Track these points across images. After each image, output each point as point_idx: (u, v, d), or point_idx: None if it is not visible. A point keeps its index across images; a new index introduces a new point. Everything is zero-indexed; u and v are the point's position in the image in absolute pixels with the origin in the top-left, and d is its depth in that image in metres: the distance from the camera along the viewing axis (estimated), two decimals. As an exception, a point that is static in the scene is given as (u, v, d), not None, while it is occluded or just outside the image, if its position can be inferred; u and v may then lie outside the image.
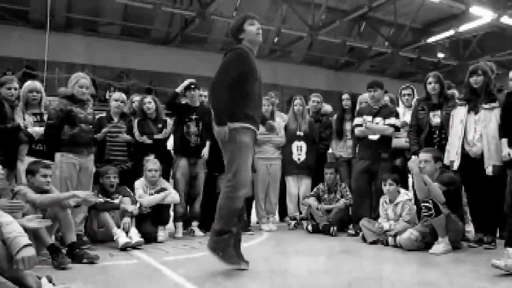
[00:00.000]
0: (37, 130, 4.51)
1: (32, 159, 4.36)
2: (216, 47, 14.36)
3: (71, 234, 3.87)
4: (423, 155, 4.47)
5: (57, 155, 4.47)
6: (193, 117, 5.35)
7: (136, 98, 5.89)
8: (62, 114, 4.44)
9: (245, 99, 3.45)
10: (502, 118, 4.30)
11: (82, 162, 4.55)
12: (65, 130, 4.46)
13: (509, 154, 4.11)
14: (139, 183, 5.06)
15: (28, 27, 12.63)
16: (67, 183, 4.42)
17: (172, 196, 5.03)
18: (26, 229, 3.40)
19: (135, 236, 4.51)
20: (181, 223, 5.34)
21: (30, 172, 3.90)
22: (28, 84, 4.74)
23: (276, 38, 12.61)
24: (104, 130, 5.04)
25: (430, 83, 4.91)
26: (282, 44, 13.56)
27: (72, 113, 4.48)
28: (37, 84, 4.77)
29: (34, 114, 4.68)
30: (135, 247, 4.44)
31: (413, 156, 4.43)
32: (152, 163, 5.09)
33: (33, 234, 3.48)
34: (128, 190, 4.98)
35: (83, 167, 4.57)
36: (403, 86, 5.78)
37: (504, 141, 4.20)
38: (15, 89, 4.55)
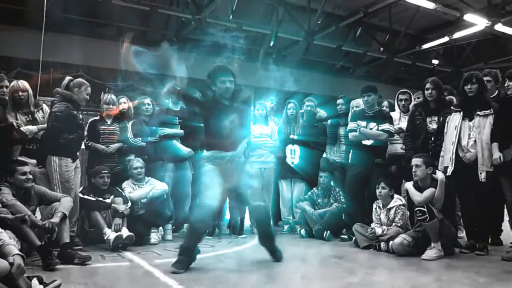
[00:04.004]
0: (31, 129, 4.48)
1: (25, 158, 4.36)
2: (211, 50, 14.35)
3: (66, 234, 3.87)
4: (415, 160, 4.49)
5: (54, 159, 4.48)
6: (176, 121, 5.44)
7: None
8: (67, 118, 4.48)
9: None
10: (494, 123, 4.33)
11: (74, 164, 4.67)
12: (65, 135, 4.50)
13: (500, 158, 4.14)
14: (126, 184, 5.11)
15: (23, 26, 12.58)
16: (66, 185, 4.50)
17: (160, 187, 5.08)
18: (16, 230, 3.43)
19: (125, 232, 4.55)
20: (170, 225, 5.35)
21: (8, 172, 3.88)
22: (11, 85, 4.58)
23: (272, 42, 12.59)
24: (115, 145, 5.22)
25: (427, 88, 4.87)
26: (278, 48, 13.57)
27: (76, 119, 4.58)
28: (20, 84, 4.59)
29: (25, 113, 4.60)
30: (126, 247, 4.48)
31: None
32: (135, 161, 5.14)
33: (22, 237, 3.48)
34: (120, 190, 4.98)
35: (76, 168, 4.71)
36: (400, 91, 5.73)
37: (495, 145, 4.23)
38: (6, 87, 4.51)
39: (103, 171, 4.86)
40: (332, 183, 5.77)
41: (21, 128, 4.42)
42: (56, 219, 3.78)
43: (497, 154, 4.19)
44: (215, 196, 3.75)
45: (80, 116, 4.81)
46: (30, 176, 3.93)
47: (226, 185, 3.86)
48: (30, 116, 4.62)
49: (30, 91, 4.69)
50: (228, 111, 3.83)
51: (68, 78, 4.79)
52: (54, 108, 4.52)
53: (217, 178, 3.82)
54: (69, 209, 3.98)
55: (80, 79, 4.79)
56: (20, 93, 4.55)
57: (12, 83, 4.61)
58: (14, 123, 4.37)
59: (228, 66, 3.96)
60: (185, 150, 5.40)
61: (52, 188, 4.37)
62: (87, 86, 4.70)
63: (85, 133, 5.24)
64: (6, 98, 4.49)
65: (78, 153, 4.85)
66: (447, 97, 5.14)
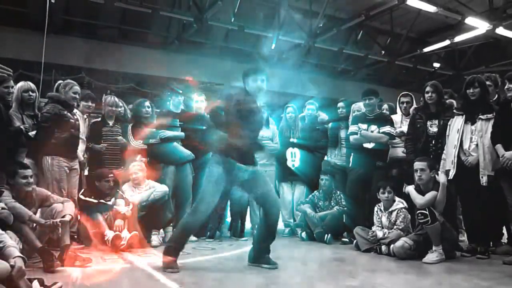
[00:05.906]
0: None
1: (30, 160, 4.38)
2: (213, 52, 14.37)
3: (66, 236, 3.87)
4: (419, 164, 4.48)
5: (47, 159, 4.49)
6: (177, 123, 5.44)
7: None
8: (56, 118, 4.48)
9: None
10: (494, 125, 4.33)
11: (71, 165, 4.68)
12: (56, 134, 4.51)
13: (503, 155, 4.14)
14: (126, 187, 5.11)
15: (25, 28, 12.62)
16: (59, 185, 4.49)
17: (160, 189, 5.06)
18: (17, 232, 3.43)
19: (126, 234, 4.57)
20: (171, 228, 5.34)
21: (9, 174, 3.87)
22: (22, 85, 4.61)
23: (273, 45, 12.60)
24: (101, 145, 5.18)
25: (427, 92, 4.86)
26: (279, 50, 13.58)
27: (66, 118, 4.57)
28: (31, 85, 4.66)
29: (31, 116, 4.59)
30: (131, 246, 4.50)
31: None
32: (131, 165, 5.15)
33: (23, 238, 3.48)
34: (121, 192, 4.98)
35: (72, 169, 4.71)
36: (402, 93, 5.69)
37: (499, 146, 4.22)
38: (12, 87, 4.53)
39: (109, 175, 4.84)
40: (333, 186, 5.77)
41: (29, 134, 4.37)
42: (67, 217, 3.82)
43: (502, 152, 4.17)
44: (214, 202, 3.77)
45: (76, 116, 4.81)
46: (31, 180, 3.92)
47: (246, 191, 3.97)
48: (35, 119, 4.62)
49: (37, 93, 4.75)
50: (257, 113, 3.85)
51: (58, 82, 4.93)
52: (42, 109, 4.61)
53: (221, 183, 3.76)
54: (73, 212, 3.99)
55: (67, 80, 4.92)
56: (31, 93, 4.60)
57: (22, 83, 4.64)
58: (23, 128, 4.34)
59: (262, 67, 3.97)
60: (186, 152, 5.41)
61: (47, 188, 4.35)
62: (72, 85, 4.78)
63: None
64: (10, 99, 4.49)
65: (78, 153, 4.85)
66: (447, 101, 5.14)
